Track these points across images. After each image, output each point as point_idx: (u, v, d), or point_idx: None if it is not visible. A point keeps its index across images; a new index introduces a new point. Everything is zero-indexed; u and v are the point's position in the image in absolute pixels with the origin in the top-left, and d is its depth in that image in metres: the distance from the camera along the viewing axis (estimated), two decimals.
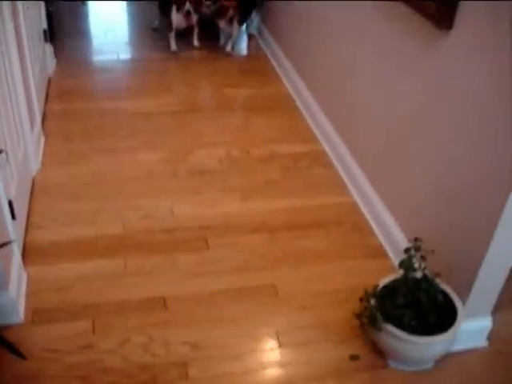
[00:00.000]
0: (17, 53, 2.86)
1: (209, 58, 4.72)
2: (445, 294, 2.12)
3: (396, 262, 2.44)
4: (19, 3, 3.06)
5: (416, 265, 2.08)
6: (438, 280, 2.10)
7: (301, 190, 3.12)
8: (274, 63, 4.54)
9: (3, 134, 2.43)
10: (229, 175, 3.22)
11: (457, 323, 2.05)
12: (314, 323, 2.35)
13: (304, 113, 3.84)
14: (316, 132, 3.63)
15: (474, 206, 2.03)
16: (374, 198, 2.86)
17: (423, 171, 2.40)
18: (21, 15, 3.07)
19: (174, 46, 4.70)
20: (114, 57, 4.64)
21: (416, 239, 2.08)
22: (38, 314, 2.32)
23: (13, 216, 2.40)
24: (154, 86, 4.18)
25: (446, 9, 2.03)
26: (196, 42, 4.83)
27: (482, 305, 2.19)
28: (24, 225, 2.71)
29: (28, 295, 2.40)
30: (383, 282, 2.19)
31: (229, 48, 4.78)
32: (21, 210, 2.64)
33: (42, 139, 3.40)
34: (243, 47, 5.05)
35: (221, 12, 4.72)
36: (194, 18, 4.66)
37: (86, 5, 5.60)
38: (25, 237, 2.67)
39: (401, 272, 2.12)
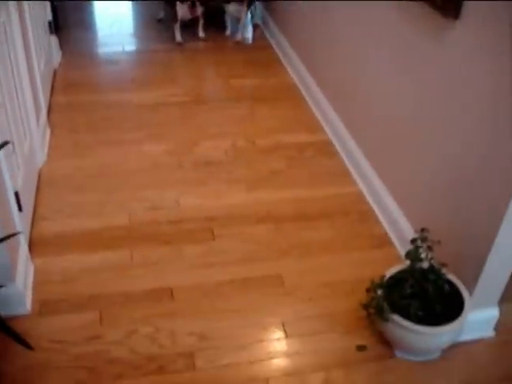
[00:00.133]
0: (22, 45, 2.86)
1: (214, 48, 4.71)
2: (452, 285, 2.12)
3: (402, 251, 2.44)
4: None
5: (423, 255, 2.08)
6: (444, 270, 2.09)
7: (306, 180, 3.11)
8: (279, 53, 4.53)
9: (9, 126, 2.44)
10: (234, 166, 3.22)
11: (464, 313, 2.05)
12: (320, 313, 2.35)
13: (309, 103, 3.83)
14: (321, 122, 3.62)
15: (481, 196, 2.02)
16: (379, 188, 2.85)
17: (429, 160, 2.39)
18: (26, 7, 3.07)
19: (179, 37, 4.69)
20: (120, 48, 4.64)
21: (422, 229, 2.08)
22: (45, 306, 2.33)
23: (19, 208, 2.41)
24: (160, 78, 4.17)
25: None
26: (201, 33, 4.82)
27: (489, 295, 2.18)
28: (30, 216, 2.71)
29: (35, 286, 2.41)
30: (390, 272, 2.19)
31: (239, 36, 4.80)
32: (27, 201, 2.64)
33: (48, 131, 3.40)
34: (249, 36, 5.03)
35: None
36: (199, 9, 4.65)
37: (91, 4, 5.58)
38: (31, 228, 2.68)
39: (407, 262, 2.12)
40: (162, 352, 2.17)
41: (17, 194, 2.38)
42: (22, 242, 2.41)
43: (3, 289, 2.00)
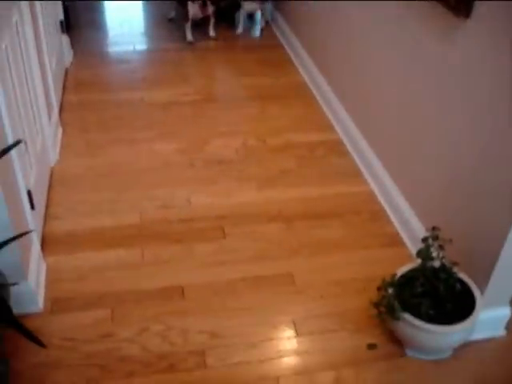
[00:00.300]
0: (34, 44, 2.87)
1: (225, 47, 4.71)
2: (463, 283, 2.11)
3: (413, 251, 2.43)
4: None
5: (434, 254, 2.08)
6: (456, 269, 2.09)
7: (317, 179, 3.11)
8: (290, 52, 4.52)
9: (22, 124, 2.45)
10: (245, 165, 3.22)
11: (475, 312, 2.04)
12: (330, 312, 2.35)
13: (320, 102, 3.83)
14: (332, 121, 3.61)
15: (493, 195, 2.02)
16: (391, 187, 2.84)
17: (440, 159, 2.39)
18: (38, 7, 3.08)
19: (190, 36, 4.69)
20: (131, 48, 4.65)
21: (434, 228, 2.07)
22: (57, 304, 2.35)
23: (32, 206, 2.42)
24: (170, 77, 4.18)
25: None
26: (212, 32, 4.82)
27: (501, 294, 2.17)
28: (43, 215, 2.73)
29: (47, 285, 2.42)
30: (401, 270, 2.18)
31: (257, 32, 4.85)
32: (39, 200, 2.66)
33: (60, 130, 3.42)
34: (257, 33, 5.01)
35: None
36: (210, 8, 4.65)
37: (102, 4, 5.60)
38: (43, 227, 2.70)
39: (418, 261, 2.11)
40: (173, 350, 2.18)
41: (29, 193, 2.40)
42: (35, 240, 2.43)
43: (16, 287, 2.02)
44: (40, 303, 2.31)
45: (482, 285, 2.10)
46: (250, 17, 4.92)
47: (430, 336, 2.05)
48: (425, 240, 2.08)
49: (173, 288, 2.43)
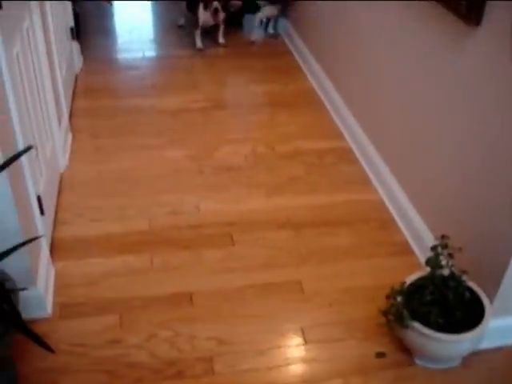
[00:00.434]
0: (45, 50, 2.89)
1: (234, 54, 4.72)
2: (472, 292, 2.10)
3: (422, 259, 2.43)
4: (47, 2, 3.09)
5: (443, 262, 2.07)
6: (465, 277, 2.08)
7: (326, 187, 3.11)
8: (299, 59, 4.53)
9: (32, 130, 2.46)
10: (254, 171, 3.22)
11: (484, 321, 2.03)
12: (339, 320, 2.34)
13: (329, 109, 3.83)
14: (341, 128, 3.61)
15: (502, 204, 2.01)
16: (400, 195, 2.84)
17: (449, 167, 2.38)
18: (49, 14, 3.10)
19: (199, 43, 4.71)
20: (140, 54, 4.67)
21: (443, 236, 2.07)
22: (66, 309, 2.35)
23: (41, 211, 2.43)
24: (180, 84, 4.19)
25: (475, 4, 2.01)
26: (221, 39, 4.83)
27: (510, 303, 2.16)
28: (52, 220, 2.74)
29: (56, 290, 2.43)
30: (410, 279, 2.17)
31: (271, 29, 4.94)
32: (49, 205, 2.67)
33: (70, 136, 3.43)
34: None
35: None
36: (222, 15, 4.67)
37: (112, 5, 5.62)
38: (53, 232, 2.70)
39: (427, 269, 2.11)
40: (181, 356, 2.18)
41: (39, 198, 2.40)
42: (44, 245, 2.43)
43: (24, 292, 2.02)
44: (48, 308, 2.32)
45: (492, 293, 2.09)
46: (268, 20, 4.97)
47: (439, 345, 2.04)
48: (434, 248, 2.08)
49: (181, 294, 2.43)
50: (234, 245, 2.70)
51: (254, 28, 4.94)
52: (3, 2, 1.99)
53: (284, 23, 4.99)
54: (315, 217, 2.89)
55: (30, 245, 2.02)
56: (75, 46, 4.20)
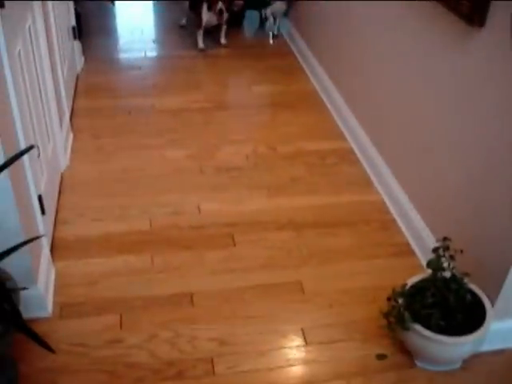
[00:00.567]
0: (47, 50, 2.89)
1: (236, 55, 4.71)
2: (474, 294, 2.10)
3: (424, 261, 2.42)
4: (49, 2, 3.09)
5: (445, 264, 2.06)
6: (466, 280, 2.07)
7: (327, 188, 3.11)
8: (301, 60, 4.52)
9: (33, 130, 2.46)
10: (255, 172, 3.22)
11: (486, 324, 2.03)
12: (340, 321, 2.34)
13: (330, 110, 3.82)
14: (343, 129, 3.61)
15: (504, 205, 2.01)
16: (401, 197, 2.83)
17: (450, 168, 2.38)
18: (51, 13, 3.10)
19: (201, 43, 4.70)
20: (142, 54, 4.67)
21: (445, 238, 2.06)
22: (66, 309, 2.35)
23: (42, 211, 2.43)
24: (181, 84, 4.19)
25: (479, 5, 2.01)
26: (223, 40, 4.83)
27: None
28: (53, 220, 2.74)
29: (56, 289, 2.42)
30: (411, 281, 2.17)
31: (275, 30, 4.90)
32: (50, 205, 2.67)
33: (71, 136, 3.43)
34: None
35: None
36: (225, 16, 4.66)
37: (114, 5, 5.62)
38: (53, 232, 2.70)
39: (429, 271, 2.10)
40: (182, 357, 2.17)
41: (40, 198, 2.40)
42: (44, 245, 2.43)
43: (25, 291, 2.01)
44: (49, 308, 2.32)
45: (493, 296, 2.09)
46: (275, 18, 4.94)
47: (440, 347, 2.04)
48: (435, 250, 2.07)
49: (182, 295, 2.43)
50: (234, 245, 2.70)
51: (257, 25, 4.92)
52: (6, 2, 1.98)
53: (286, 24, 4.98)
54: (316, 217, 2.88)
55: (31, 244, 2.02)
56: (77, 45, 4.20)
